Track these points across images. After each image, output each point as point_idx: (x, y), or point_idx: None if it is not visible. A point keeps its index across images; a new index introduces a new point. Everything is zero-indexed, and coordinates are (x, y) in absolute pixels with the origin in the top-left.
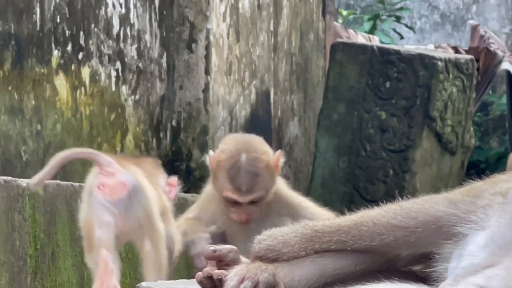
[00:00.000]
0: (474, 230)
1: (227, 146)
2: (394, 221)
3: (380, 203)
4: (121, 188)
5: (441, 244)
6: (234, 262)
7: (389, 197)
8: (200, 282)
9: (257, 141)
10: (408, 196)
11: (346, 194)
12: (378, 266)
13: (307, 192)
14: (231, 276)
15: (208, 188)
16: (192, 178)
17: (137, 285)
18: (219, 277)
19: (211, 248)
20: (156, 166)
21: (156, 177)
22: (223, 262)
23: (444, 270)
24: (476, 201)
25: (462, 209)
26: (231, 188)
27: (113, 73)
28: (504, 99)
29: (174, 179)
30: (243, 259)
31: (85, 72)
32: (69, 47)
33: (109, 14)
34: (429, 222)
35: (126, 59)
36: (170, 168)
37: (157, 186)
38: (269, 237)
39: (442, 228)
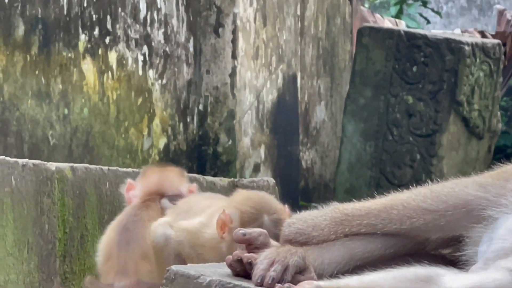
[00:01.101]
0: (504, 214)
1: (245, 207)
2: (424, 204)
3: (407, 188)
4: None
5: (471, 228)
6: (264, 245)
7: (416, 182)
8: (230, 266)
9: (274, 200)
10: (435, 180)
11: (372, 179)
12: (407, 250)
13: (334, 176)
14: (261, 259)
15: None
16: (219, 163)
17: (167, 268)
18: (249, 261)
19: (241, 231)
20: (180, 175)
21: (178, 186)
22: (253, 246)
23: (474, 254)
24: (506, 185)
25: (492, 193)
26: None
27: (140, 58)
28: None
29: (194, 186)
30: (273, 242)
31: (112, 56)
32: (96, 32)
33: None
34: (459, 206)
35: (153, 44)
36: (197, 152)
37: None
38: (299, 220)
39: (472, 212)
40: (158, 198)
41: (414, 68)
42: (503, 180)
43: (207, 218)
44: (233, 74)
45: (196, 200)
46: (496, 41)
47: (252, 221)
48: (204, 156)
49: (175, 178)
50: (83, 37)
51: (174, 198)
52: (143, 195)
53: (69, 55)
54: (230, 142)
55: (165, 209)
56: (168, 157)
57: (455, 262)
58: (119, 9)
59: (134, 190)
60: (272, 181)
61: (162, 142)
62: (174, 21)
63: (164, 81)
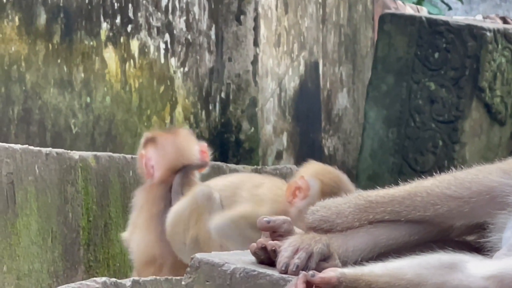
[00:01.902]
0: None
1: (327, 179)
2: (448, 191)
3: (430, 174)
4: None
5: (495, 214)
6: (288, 233)
7: (438, 168)
8: (254, 253)
9: (349, 180)
10: (458, 167)
11: (395, 165)
12: (432, 237)
13: (356, 163)
14: (285, 247)
15: None
16: (241, 150)
17: (191, 256)
18: (273, 248)
19: (265, 219)
20: (188, 137)
21: (189, 148)
22: (277, 233)
23: (498, 240)
24: None
25: None
26: None
27: (162, 46)
28: None
29: (204, 145)
30: (297, 230)
31: (134, 44)
32: (117, 20)
33: None
34: (483, 192)
35: (175, 32)
36: (220, 140)
37: None
38: (322, 208)
39: (496, 198)
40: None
41: (436, 55)
42: None
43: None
44: (255, 62)
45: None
46: None
47: (331, 195)
48: (226, 143)
49: (186, 145)
50: (105, 26)
51: (189, 170)
52: (162, 172)
53: (91, 43)
54: (252, 129)
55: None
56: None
57: (479, 249)
58: None
59: (150, 162)
60: (295, 168)
61: None
62: (196, 8)
63: (186, 69)
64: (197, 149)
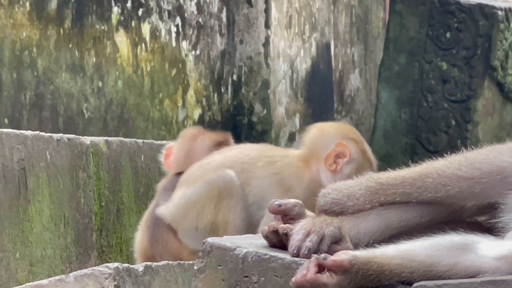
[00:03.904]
0: None
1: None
2: (459, 172)
3: (443, 154)
4: None
5: (506, 194)
6: (300, 216)
7: (452, 148)
8: (266, 237)
9: None
10: (471, 146)
11: (408, 145)
12: (443, 218)
13: (370, 144)
14: (297, 230)
15: None
16: (254, 132)
17: (203, 240)
18: (285, 231)
19: (276, 202)
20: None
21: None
22: (288, 216)
23: (510, 221)
24: None
25: None
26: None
27: (173, 29)
28: None
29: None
30: (308, 213)
31: (145, 28)
32: (128, 4)
33: None
34: (493, 173)
35: (186, 15)
36: (232, 122)
37: None
38: (334, 190)
39: (507, 178)
40: None
41: (448, 34)
42: None
43: None
44: (266, 44)
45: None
46: None
47: (366, 152)
48: (239, 126)
49: (204, 148)
50: (116, 10)
51: None
52: (177, 165)
53: (102, 27)
54: (264, 111)
55: None
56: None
57: (491, 229)
58: None
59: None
60: None
61: (196, 113)
62: None
63: (198, 52)
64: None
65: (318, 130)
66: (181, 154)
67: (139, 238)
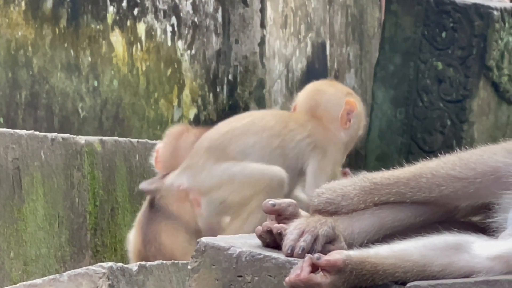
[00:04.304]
0: None
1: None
2: (453, 172)
3: (438, 154)
4: None
5: (500, 195)
6: (294, 216)
7: (447, 148)
8: (259, 237)
9: None
10: (466, 146)
11: (403, 145)
12: (437, 218)
13: (365, 144)
14: (291, 229)
15: None
16: None
17: (197, 240)
18: (279, 231)
19: (270, 202)
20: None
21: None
22: (282, 216)
23: (504, 221)
24: None
25: None
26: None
27: (169, 28)
28: None
29: None
30: (302, 212)
31: (141, 27)
32: (124, 3)
33: None
34: (487, 173)
35: (181, 14)
36: None
37: None
38: (328, 190)
39: (501, 179)
40: None
41: (443, 34)
42: None
43: None
44: (262, 43)
45: None
46: None
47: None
48: None
49: (189, 145)
50: (111, 9)
51: None
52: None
53: (98, 27)
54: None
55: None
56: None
57: (485, 229)
58: None
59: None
60: None
61: (192, 112)
62: None
63: (193, 51)
64: None
65: (320, 93)
66: (167, 154)
67: (133, 238)
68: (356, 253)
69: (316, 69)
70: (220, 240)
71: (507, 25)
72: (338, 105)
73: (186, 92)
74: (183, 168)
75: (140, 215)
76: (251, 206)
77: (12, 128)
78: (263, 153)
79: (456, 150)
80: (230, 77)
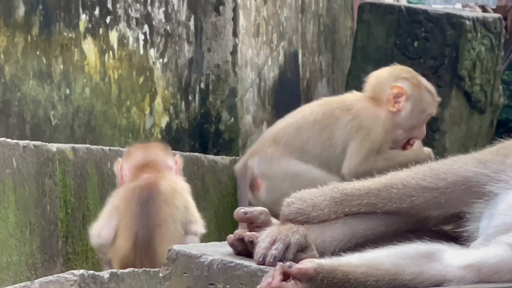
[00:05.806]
0: (504, 189)
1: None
2: (424, 182)
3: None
4: None
5: (471, 204)
6: (265, 224)
7: None
8: (231, 245)
9: None
10: (438, 156)
11: None
12: (409, 226)
13: None
14: (263, 238)
15: None
16: (221, 141)
17: (169, 248)
18: (251, 239)
19: (241, 210)
20: (164, 150)
21: (164, 158)
22: (254, 224)
23: (475, 230)
24: (505, 160)
25: (491, 169)
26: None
27: (141, 37)
28: None
29: (178, 157)
30: (274, 221)
31: (113, 36)
32: (96, 11)
33: None
34: (458, 183)
35: (153, 22)
36: (199, 130)
37: None
38: (298, 200)
39: (472, 188)
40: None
41: (415, 44)
42: (502, 155)
43: None
44: (234, 52)
45: None
46: (497, 15)
47: (421, 85)
48: (206, 134)
49: (159, 153)
50: (83, 17)
51: None
52: (132, 173)
53: (70, 35)
54: (232, 120)
55: None
56: (170, 136)
57: (456, 238)
58: None
59: (123, 170)
60: None
61: (164, 121)
62: None
63: (165, 60)
64: (170, 160)
65: (374, 77)
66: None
67: (120, 243)
68: (327, 262)
69: (288, 78)
70: (191, 248)
71: (479, 34)
72: (384, 89)
73: (158, 100)
74: (251, 153)
75: (130, 221)
76: None
77: None
78: (315, 150)
79: (426, 161)
80: (202, 85)
